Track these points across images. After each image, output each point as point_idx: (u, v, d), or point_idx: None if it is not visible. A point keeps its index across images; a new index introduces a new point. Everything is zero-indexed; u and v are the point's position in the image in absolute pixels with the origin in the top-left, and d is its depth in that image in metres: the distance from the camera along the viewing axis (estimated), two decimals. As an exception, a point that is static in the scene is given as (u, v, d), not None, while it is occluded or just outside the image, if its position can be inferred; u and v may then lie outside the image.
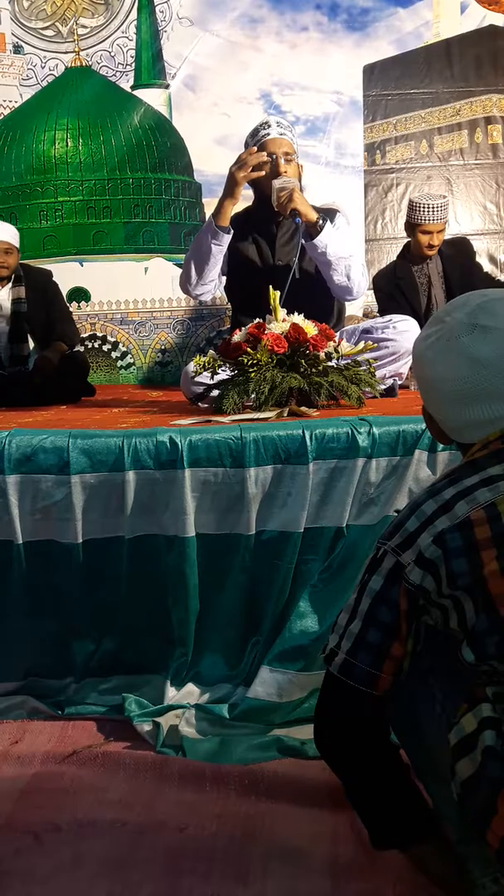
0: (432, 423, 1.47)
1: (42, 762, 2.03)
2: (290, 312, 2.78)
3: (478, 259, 4.64)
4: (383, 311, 4.31)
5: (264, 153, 3.13)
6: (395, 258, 4.55)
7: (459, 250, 4.37)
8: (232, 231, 3.24)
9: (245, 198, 3.50)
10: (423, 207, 4.15)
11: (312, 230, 3.12)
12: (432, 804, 1.41)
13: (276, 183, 3.14)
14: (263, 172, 3.13)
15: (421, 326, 3.92)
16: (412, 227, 4.22)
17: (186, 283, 3.36)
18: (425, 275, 4.30)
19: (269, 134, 3.26)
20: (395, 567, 1.32)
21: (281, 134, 3.27)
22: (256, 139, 3.28)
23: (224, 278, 3.43)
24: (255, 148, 3.17)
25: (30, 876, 1.61)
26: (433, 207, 4.14)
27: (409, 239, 4.31)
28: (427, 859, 1.40)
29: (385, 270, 4.49)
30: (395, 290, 4.32)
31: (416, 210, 4.18)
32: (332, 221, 3.27)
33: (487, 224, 5.23)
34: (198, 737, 2.11)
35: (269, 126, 3.29)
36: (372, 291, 4.94)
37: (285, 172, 3.20)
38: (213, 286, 3.38)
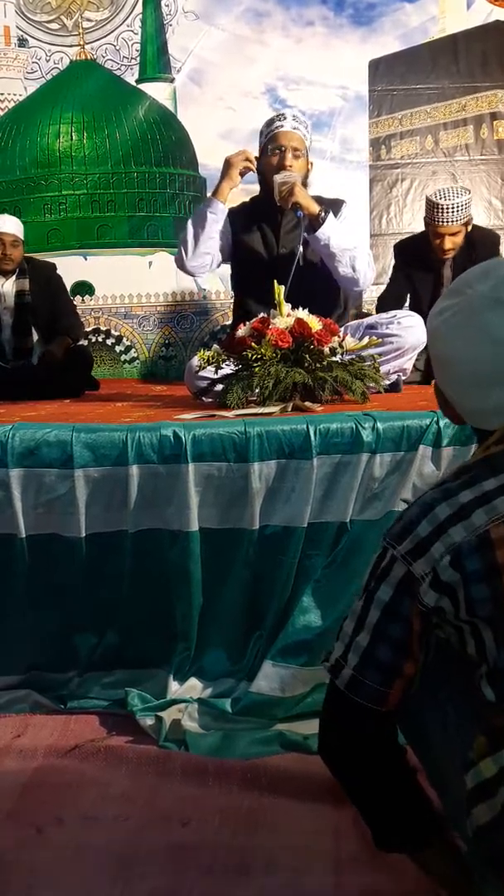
0: (446, 404, 1.36)
1: (45, 756, 2.03)
2: (294, 306, 2.77)
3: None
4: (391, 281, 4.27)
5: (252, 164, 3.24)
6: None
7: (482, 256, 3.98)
8: (225, 206, 3.30)
9: (250, 191, 3.52)
10: (437, 208, 3.87)
11: (315, 223, 3.12)
12: (440, 806, 1.37)
13: (278, 178, 3.14)
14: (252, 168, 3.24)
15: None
16: (428, 226, 4.01)
17: (182, 256, 3.35)
18: (435, 277, 4.12)
19: (282, 126, 3.26)
20: (405, 578, 1.23)
21: (294, 128, 3.26)
22: (270, 129, 3.29)
23: (220, 262, 3.43)
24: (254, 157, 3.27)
25: (32, 869, 1.61)
26: (446, 208, 3.84)
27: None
28: (431, 861, 1.36)
29: (406, 245, 4.31)
30: (405, 272, 4.21)
31: (429, 209, 3.94)
32: (338, 212, 3.27)
33: (493, 220, 5.20)
34: (200, 731, 2.11)
35: (285, 118, 3.29)
36: (375, 286, 4.94)
37: (290, 167, 3.19)
38: (209, 261, 3.38)
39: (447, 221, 3.88)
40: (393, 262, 4.39)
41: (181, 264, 3.41)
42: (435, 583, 1.19)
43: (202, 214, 3.31)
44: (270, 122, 3.32)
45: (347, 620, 1.32)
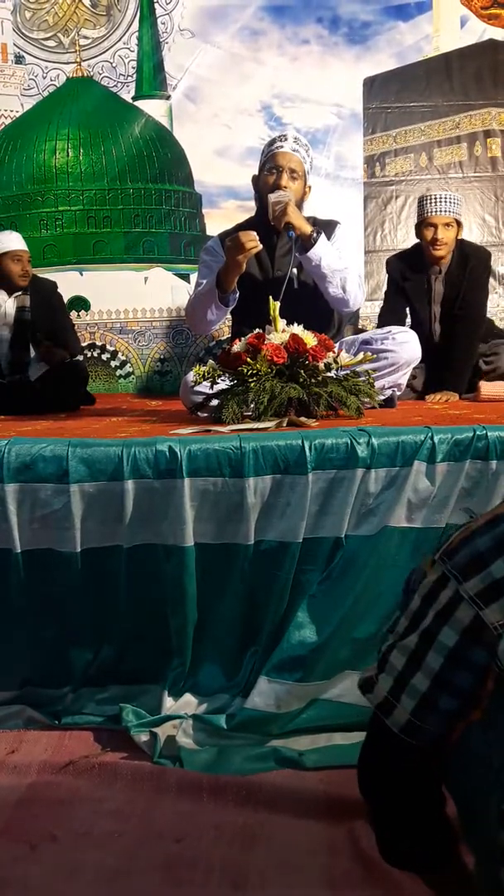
0: None
1: (39, 772, 2.02)
2: (289, 323, 2.79)
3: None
4: (386, 296, 4.28)
5: (256, 240, 3.03)
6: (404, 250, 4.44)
7: (471, 272, 4.10)
8: (238, 293, 3.24)
9: (248, 208, 3.53)
10: (428, 200, 4.00)
11: (307, 243, 3.13)
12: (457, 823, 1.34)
13: (272, 197, 3.16)
14: (260, 247, 3.07)
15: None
16: (419, 226, 4.07)
17: (195, 329, 3.43)
18: (427, 289, 4.16)
19: (281, 147, 3.28)
20: (474, 625, 1.12)
21: (294, 150, 3.28)
22: (270, 149, 3.31)
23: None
24: (253, 234, 3.06)
25: (26, 886, 1.60)
26: (438, 199, 3.97)
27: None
28: (441, 881, 1.34)
29: (401, 255, 4.34)
30: (400, 280, 4.20)
31: (420, 206, 4.05)
32: (331, 234, 3.29)
33: (486, 237, 5.24)
34: (195, 747, 2.10)
35: (285, 140, 3.30)
36: (369, 303, 4.97)
37: (285, 187, 3.21)
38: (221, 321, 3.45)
39: (439, 211, 3.95)
40: (386, 277, 4.40)
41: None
42: None
43: (203, 310, 3.29)
44: (272, 143, 3.34)
45: (396, 652, 1.22)
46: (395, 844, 1.35)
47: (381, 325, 4.20)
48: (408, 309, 4.24)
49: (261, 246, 3.05)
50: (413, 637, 1.20)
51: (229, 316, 3.45)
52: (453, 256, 4.09)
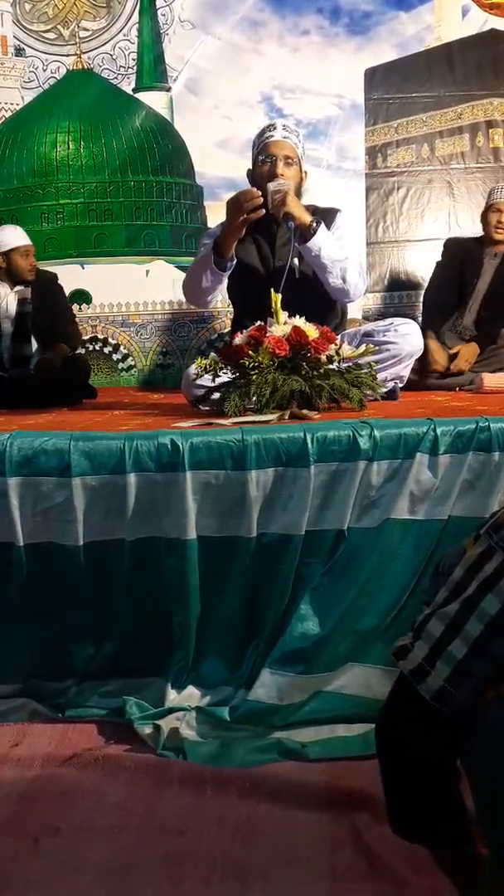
0: None
1: (42, 765, 2.02)
2: (291, 314, 2.78)
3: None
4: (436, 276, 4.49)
5: (258, 194, 2.98)
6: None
7: None
8: (235, 259, 3.21)
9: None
10: (498, 189, 4.36)
11: (306, 233, 3.10)
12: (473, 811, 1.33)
13: (271, 186, 3.12)
14: (262, 213, 3.00)
15: (450, 314, 4.10)
16: (485, 212, 4.38)
17: (190, 300, 3.38)
18: (481, 262, 4.35)
19: (272, 136, 3.25)
20: None
21: (285, 137, 3.26)
22: (261, 140, 3.29)
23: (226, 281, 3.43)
24: (255, 190, 3.01)
25: (29, 879, 1.61)
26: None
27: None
28: (451, 859, 1.35)
29: (458, 240, 4.60)
30: (457, 253, 4.43)
31: (491, 194, 4.39)
32: (332, 222, 3.26)
33: (476, 224, 5.22)
34: (198, 739, 2.11)
35: (275, 129, 3.28)
36: (371, 294, 4.98)
37: (282, 175, 3.19)
38: (217, 295, 3.40)
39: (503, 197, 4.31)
40: (440, 258, 4.58)
41: (190, 302, 3.46)
42: None
43: (198, 277, 3.24)
44: (261, 133, 3.32)
45: (435, 620, 1.23)
46: (406, 814, 1.34)
47: (428, 305, 4.60)
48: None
49: (263, 211, 3.00)
50: (454, 605, 1.21)
51: (230, 309, 3.42)
52: None
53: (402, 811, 1.35)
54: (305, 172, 3.35)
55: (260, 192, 3.01)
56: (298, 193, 3.23)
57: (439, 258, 4.59)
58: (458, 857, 1.34)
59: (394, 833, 1.37)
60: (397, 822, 1.36)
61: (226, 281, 3.30)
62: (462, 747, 1.28)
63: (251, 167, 3.36)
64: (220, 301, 4.87)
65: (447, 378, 4.00)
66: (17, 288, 4.21)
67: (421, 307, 4.95)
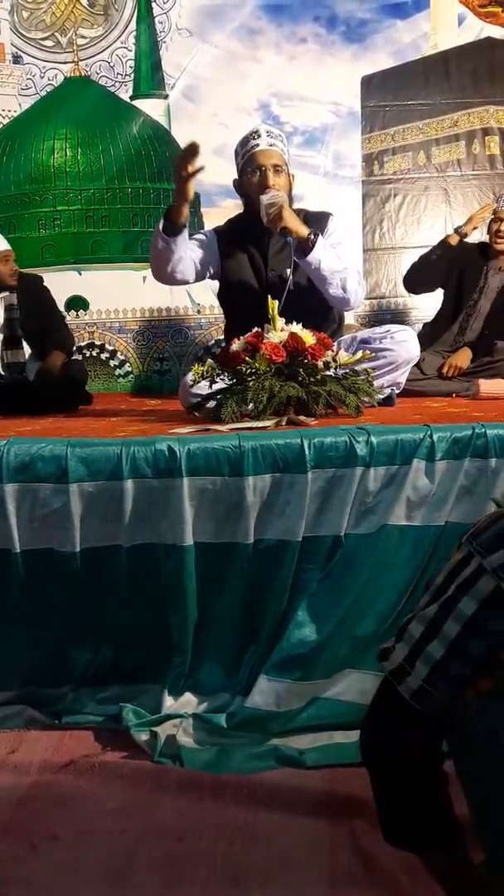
0: None
1: (39, 771, 2.02)
2: (287, 322, 2.78)
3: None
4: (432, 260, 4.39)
5: (196, 149, 2.99)
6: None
7: None
8: (186, 227, 3.18)
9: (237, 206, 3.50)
10: (502, 197, 4.37)
11: (304, 246, 3.09)
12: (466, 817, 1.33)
13: (264, 199, 3.10)
14: (203, 169, 3.01)
15: (452, 322, 4.09)
16: (491, 222, 4.34)
17: (154, 273, 3.34)
18: (485, 277, 4.32)
19: (258, 145, 3.24)
20: (495, 594, 1.16)
21: (270, 145, 3.24)
22: (246, 149, 3.27)
23: (208, 276, 3.41)
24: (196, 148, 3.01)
25: (27, 884, 1.61)
26: None
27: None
28: (440, 865, 1.35)
29: (467, 246, 4.50)
30: (454, 258, 4.38)
31: (497, 201, 4.38)
32: (324, 227, 3.25)
33: (484, 235, 5.23)
34: (196, 746, 2.11)
35: (259, 136, 3.26)
36: (367, 301, 4.99)
37: (274, 185, 3.18)
38: (187, 274, 3.33)
39: None
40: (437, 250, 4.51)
41: (157, 279, 3.40)
42: None
43: (157, 251, 3.22)
44: (245, 142, 3.30)
45: (415, 622, 1.26)
46: (394, 818, 1.35)
47: (410, 278, 4.51)
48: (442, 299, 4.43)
49: (204, 167, 2.99)
50: (433, 607, 1.24)
51: (223, 319, 3.38)
52: None
53: (389, 815, 1.35)
54: (293, 175, 3.35)
55: (197, 146, 2.99)
56: (289, 199, 3.22)
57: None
58: (449, 863, 1.34)
59: (385, 841, 1.37)
60: (386, 827, 1.36)
61: (188, 252, 3.27)
62: (443, 747, 1.29)
63: (237, 176, 3.35)
64: (218, 307, 4.89)
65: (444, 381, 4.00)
66: (3, 294, 4.21)
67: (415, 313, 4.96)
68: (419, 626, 1.25)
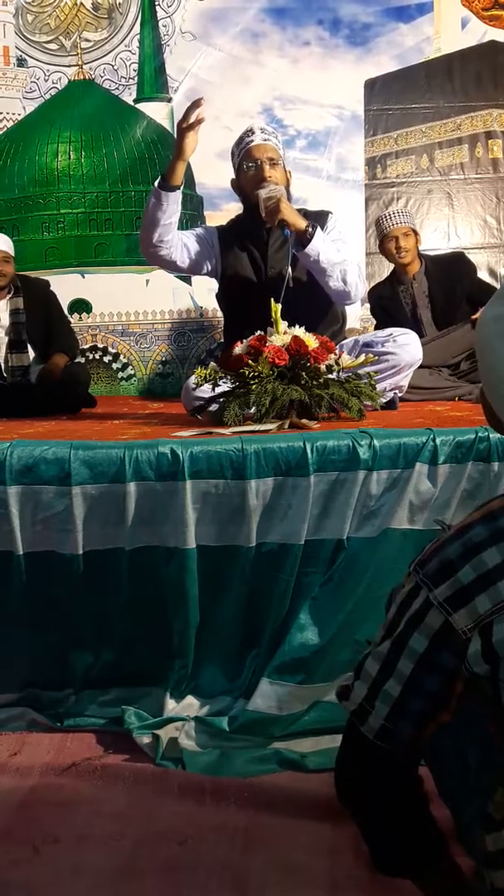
0: (492, 416, 1.26)
1: (41, 774, 2.02)
2: (291, 324, 2.78)
3: (479, 272, 4.64)
4: (379, 325, 4.37)
5: (202, 110, 3.05)
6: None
7: (447, 272, 4.38)
8: (179, 189, 3.16)
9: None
10: (382, 218, 4.41)
11: (303, 238, 3.09)
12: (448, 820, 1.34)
13: (262, 193, 3.11)
14: (204, 119, 3.07)
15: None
16: (381, 243, 4.42)
17: (142, 243, 3.30)
18: (410, 295, 4.37)
19: (252, 141, 3.26)
20: (443, 630, 1.14)
21: (265, 139, 3.26)
22: (241, 147, 3.29)
23: (194, 258, 3.37)
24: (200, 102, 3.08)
25: (28, 888, 1.61)
26: (390, 214, 4.40)
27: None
28: (432, 882, 1.34)
29: (375, 286, 4.62)
30: (379, 309, 4.46)
31: (378, 225, 4.42)
32: (324, 224, 3.25)
33: (488, 238, 5.24)
34: (197, 749, 2.10)
35: (253, 133, 3.28)
36: (370, 305, 4.98)
37: (271, 178, 3.19)
38: (174, 253, 3.29)
39: (394, 224, 4.33)
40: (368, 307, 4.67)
41: (144, 253, 3.35)
42: (487, 652, 1.09)
43: (151, 211, 3.17)
44: (240, 141, 3.32)
45: (371, 660, 1.25)
46: (382, 851, 1.34)
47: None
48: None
49: (204, 118, 3.05)
50: (386, 644, 1.22)
51: (222, 318, 3.36)
52: (425, 265, 4.39)
53: (375, 846, 1.34)
54: (289, 172, 3.36)
55: (201, 99, 3.05)
56: (288, 195, 3.22)
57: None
58: (441, 881, 1.34)
59: (376, 871, 1.37)
60: (375, 858, 1.35)
61: (178, 235, 3.25)
62: (415, 777, 1.29)
63: (234, 176, 3.36)
64: (219, 311, 4.89)
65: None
66: (9, 297, 4.21)
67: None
68: (375, 665, 1.24)
